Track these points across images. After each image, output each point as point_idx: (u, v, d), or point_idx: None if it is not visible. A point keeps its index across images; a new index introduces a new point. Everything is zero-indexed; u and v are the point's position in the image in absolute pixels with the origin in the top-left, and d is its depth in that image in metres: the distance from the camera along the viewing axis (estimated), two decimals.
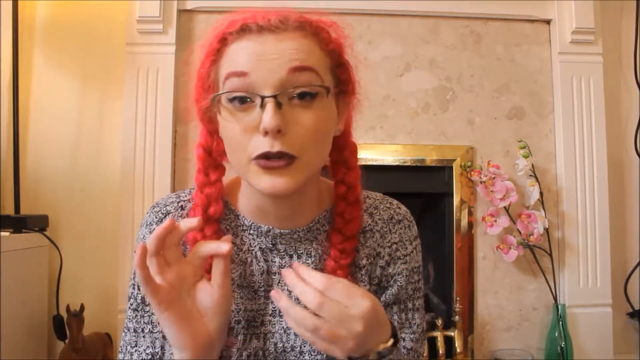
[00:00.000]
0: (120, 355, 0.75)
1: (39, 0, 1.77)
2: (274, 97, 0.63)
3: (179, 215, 0.76)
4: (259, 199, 0.74)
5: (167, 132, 1.65)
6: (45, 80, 1.77)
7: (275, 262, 0.76)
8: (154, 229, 0.74)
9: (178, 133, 1.67)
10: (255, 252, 0.76)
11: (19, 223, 1.54)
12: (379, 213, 0.81)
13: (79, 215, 1.74)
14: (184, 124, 1.66)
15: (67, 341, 1.55)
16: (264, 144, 0.64)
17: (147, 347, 0.73)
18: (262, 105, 0.64)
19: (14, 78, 1.64)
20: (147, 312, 0.74)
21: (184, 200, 0.77)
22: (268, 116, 0.62)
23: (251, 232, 0.76)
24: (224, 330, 0.67)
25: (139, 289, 0.74)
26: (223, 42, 0.69)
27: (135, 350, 0.73)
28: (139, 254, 0.59)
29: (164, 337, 0.73)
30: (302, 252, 0.77)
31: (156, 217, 0.76)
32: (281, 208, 0.74)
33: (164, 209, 0.77)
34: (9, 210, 1.65)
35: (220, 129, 0.71)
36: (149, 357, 0.72)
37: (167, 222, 0.61)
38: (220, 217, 0.74)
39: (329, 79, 0.70)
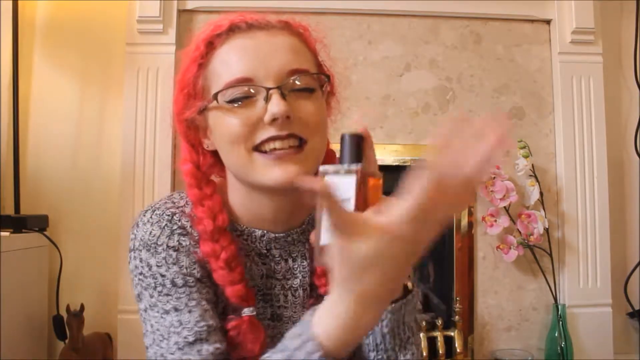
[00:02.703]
0: (161, 346, 0.65)
1: (39, 0, 1.77)
2: (278, 87, 0.65)
3: (185, 217, 0.72)
4: (253, 201, 0.72)
5: (167, 132, 1.64)
6: (45, 80, 1.76)
7: (272, 266, 0.75)
8: (164, 225, 0.70)
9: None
10: (253, 257, 0.75)
11: (19, 223, 1.53)
12: None
13: (79, 215, 1.74)
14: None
15: (67, 341, 1.55)
16: (269, 131, 0.64)
17: (198, 320, 0.65)
18: (267, 98, 0.65)
19: (14, 78, 1.64)
20: (184, 292, 0.67)
21: (181, 206, 0.73)
22: (275, 103, 0.63)
23: (245, 237, 0.74)
24: None
25: (162, 276, 0.67)
26: (210, 45, 0.69)
27: (184, 328, 0.64)
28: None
29: (214, 310, 0.68)
30: (296, 255, 0.75)
31: (163, 218, 0.71)
32: (279, 209, 0.72)
33: (168, 211, 0.72)
34: (9, 210, 1.65)
35: (214, 132, 0.69)
36: (204, 329, 0.65)
37: None
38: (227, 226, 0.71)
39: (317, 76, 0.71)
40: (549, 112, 1.79)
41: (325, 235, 0.50)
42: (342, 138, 0.58)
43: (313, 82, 0.69)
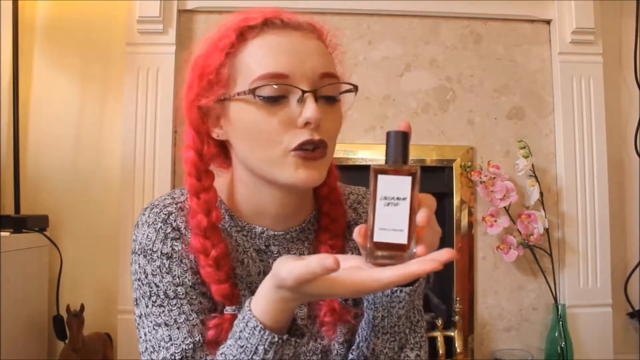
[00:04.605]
0: (152, 357, 0.70)
1: (39, 0, 1.77)
2: (314, 92, 0.66)
3: (181, 216, 0.73)
4: (261, 196, 0.73)
5: (167, 132, 1.65)
6: (45, 80, 1.76)
7: (269, 263, 0.76)
8: (159, 227, 0.72)
9: (178, 133, 1.67)
10: (251, 253, 0.76)
11: (19, 223, 1.53)
12: (362, 207, 0.82)
13: (79, 215, 1.74)
14: (184, 124, 1.65)
15: (67, 341, 1.55)
16: (304, 134, 0.66)
17: (185, 337, 0.69)
18: (301, 100, 0.66)
19: (14, 78, 1.64)
20: (175, 304, 0.70)
21: (181, 202, 0.75)
22: (311, 108, 0.65)
23: (245, 233, 0.75)
24: None
25: (157, 286, 0.71)
26: (241, 36, 0.68)
27: (172, 344, 0.69)
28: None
29: (202, 322, 0.70)
30: (294, 253, 0.76)
31: (159, 217, 0.73)
32: (284, 206, 0.74)
33: (165, 209, 0.74)
34: (9, 210, 1.65)
35: (234, 123, 0.69)
36: (190, 346, 0.69)
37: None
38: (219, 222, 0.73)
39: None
40: (549, 112, 1.79)
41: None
42: (389, 135, 0.57)
43: (338, 90, 0.70)
